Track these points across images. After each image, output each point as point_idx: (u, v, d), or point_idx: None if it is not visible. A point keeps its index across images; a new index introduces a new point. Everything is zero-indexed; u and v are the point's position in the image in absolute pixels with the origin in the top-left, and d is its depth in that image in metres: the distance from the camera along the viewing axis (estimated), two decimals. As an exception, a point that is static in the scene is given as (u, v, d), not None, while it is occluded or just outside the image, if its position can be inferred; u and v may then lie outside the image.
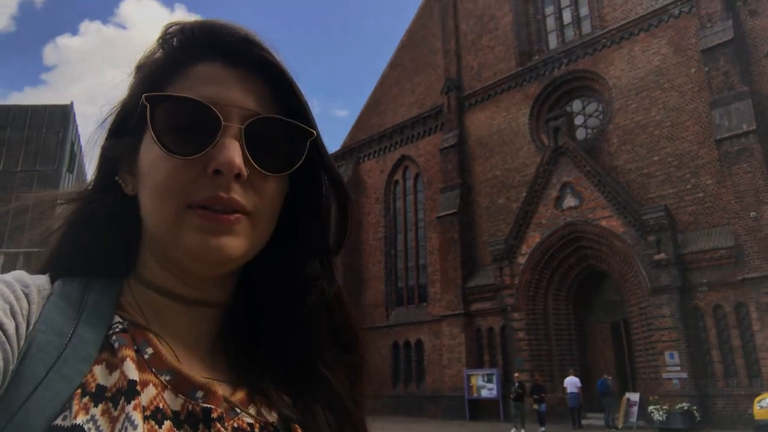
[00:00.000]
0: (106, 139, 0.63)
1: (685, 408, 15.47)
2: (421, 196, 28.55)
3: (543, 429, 16.75)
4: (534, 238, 21.00)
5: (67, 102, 35.16)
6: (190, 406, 0.54)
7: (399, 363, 26.33)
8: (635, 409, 16.90)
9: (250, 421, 0.57)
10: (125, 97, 0.62)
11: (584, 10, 24.00)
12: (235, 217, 0.56)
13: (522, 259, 21.10)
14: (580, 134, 22.83)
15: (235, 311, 0.64)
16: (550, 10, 25.61)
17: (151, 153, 0.57)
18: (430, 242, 26.73)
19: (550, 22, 25.46)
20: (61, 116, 33.52)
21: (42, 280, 0.58)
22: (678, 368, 16.38)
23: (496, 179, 24.62)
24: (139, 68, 0.62)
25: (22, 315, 0.52)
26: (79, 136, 35.34)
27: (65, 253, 0.61)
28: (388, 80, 32.27)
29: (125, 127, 0.61)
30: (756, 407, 12.07)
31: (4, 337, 0.48)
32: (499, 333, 21.78)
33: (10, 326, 0.50)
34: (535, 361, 20.12)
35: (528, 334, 20.42)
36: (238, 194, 0.56)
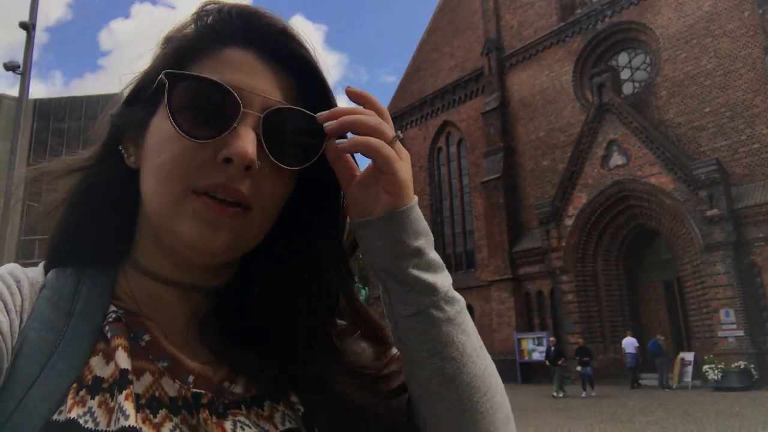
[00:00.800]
0: (120, 106, 0.61)
1: (742, 366, 15.15)
2: (464, 161, 28.37)
3: (585, 393, 16.30)
4: (581, 199, 20.63)
5: (118, 90, 36.64)
6: (184, 392, 0.54)
7: (450, 328, 26.67)
8: (690, 368, 16.65)
9: (239, 396, 0.58)
10: (148, 67, 0.60)
11: (629, -43, 22.83)
12: (236, 210, 0.54)
13: (569, 221, 20.81)
14: (627, 89, 22.03)
15: (233, 294, 0.63)
16: (591, -41, 24.49)
17: (162, 130, 0.55)
18: (476, 208, 26.66)
19: (593, -27, 24.37)
20: (114, 105, 35.24)
21: (35, 273, 0.58)
22: (734, 326, 15.99)
23: (540, 140, 24.16)
24: (167, 40, 0.60)
25: (16, 311, 0.52)
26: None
27: (63, 238, 0.61)
28: (426, 46, 31.83)
29: (140, 97, 0.59)
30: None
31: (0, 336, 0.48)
32: (548, 296, 21.72)
33: (4, 322, 0.49)
34: (585, 323, 20.03)
35: (577, 296, 20.28)
36: (244, 186, 0.54)
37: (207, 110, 0.54)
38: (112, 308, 0.56)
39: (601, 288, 20.33)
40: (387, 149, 0.55)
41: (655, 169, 18.59)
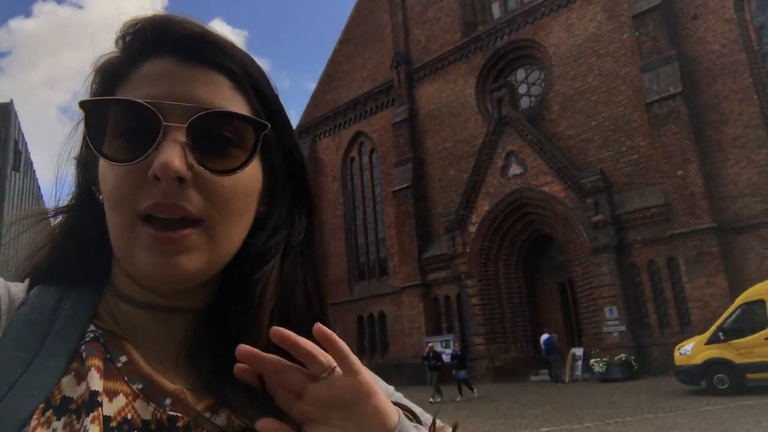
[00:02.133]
0: (80, 148, 0.60)
1: (623, 359, 16.54)
2: (376, 171, 28.98)
3: (459, 398, 16.05)
4: (483, 207, 21.71)
5: (6, 100, 34.27)
6: (158, 415, 0.52)
7: (364, 335, 27.14)
8: (579, 363, 17.95)
9: (219, 429, 0.54)
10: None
11: (525, -22, 24.38)
12: (183, 234, 0.52)
13: (473, 228, 21.83)
14: (525, 102, 23.45)
15: (216, 314, 0.60)
16: (492, -21, 25.90)
17: (102, 163, 0.55)
18: (387, 216, 27.30)
19: (494, -8, 25.78)
20: (2, 115, 32.65)
21: (18, 288, 0.57)
22: (617, 322, 17.42)
23: (447, 151, 25.16)
24: (97, 72, 0.59)
25: None
26: (22, 133, 34.56)
27: (47, 264, 0.60)
28: (339, 56, 32.28)
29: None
30: (676, 354, 13.03)
31: None
32: (455, 300, 22.62)
33: None
34: (489, 324, 21.04)
35: (481, 299, 21.28)
36: (184, 199, 0.52)
37: (132, 131, 0.52)
38: (92, 328, 0.55)
39: (502, 290, 21.45)
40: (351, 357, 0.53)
41: (549, 178, 19.94)
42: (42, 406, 0.47)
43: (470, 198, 22.13)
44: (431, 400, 15.77)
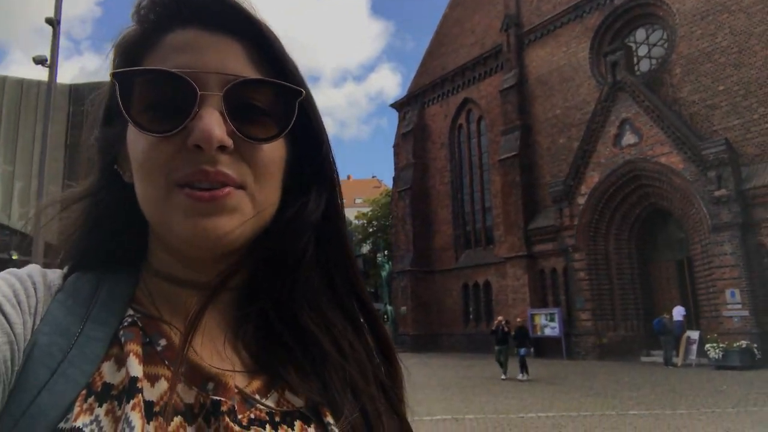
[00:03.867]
0: (99, 127, 0.61)
1: (744, 345, 15.44)
2: (484, 139, 28.63)
3: (521, 376, 14.98)
4: (593, 178, 20.83)
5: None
6: (202, 399, 0.51)
7: (469, 303, 27.52)
8: (694, 347, 17.00)
9: (268, 411, 0.54)
10: (109, 83, 0.58)
11: (648, -73, 22.31)
12: (226, 191, 0.52)
13: (581, 200, 21.08)
14: (645, 65, 21.86)
15: (251, 288, 0.60)
16: (612, -70, 23.96)
17: (132, 135, 0.54)
18: (494, 185, 27.03)
19: (613, -56, 23.88)
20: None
21: (55, 276, 0.57)
22: (739, 306, 16.22)
23: (556, 118, 24.23)
24: (117, 47, 0.59)
25: (29, 312, 0.51)
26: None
27: (81, 249, 0.60)
28: (448, 21, 31.83)
29: (113, 112, 0.57)
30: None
31: (12, 334, 0.48)
32: (562, 273, 22.16)
33: (18, 323, 0.49)
34: (596, 300, 20.46)
35: (589, 274, 20.68)
36: (225, 166, 0.52)
37: (165, 101, 0.52)
38: (130, 312, 0.55)
39: (612, 266, 20.66)
40: None
41: (666, 149, 18.64)
42: (84, 392, 0.48)
43: (579, 168, 21.29)
44: (503, 377, 15.31)
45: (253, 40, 0.57)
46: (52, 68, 12.15)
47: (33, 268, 0.56)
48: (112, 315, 0.54)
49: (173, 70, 0.52)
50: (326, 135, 0.63)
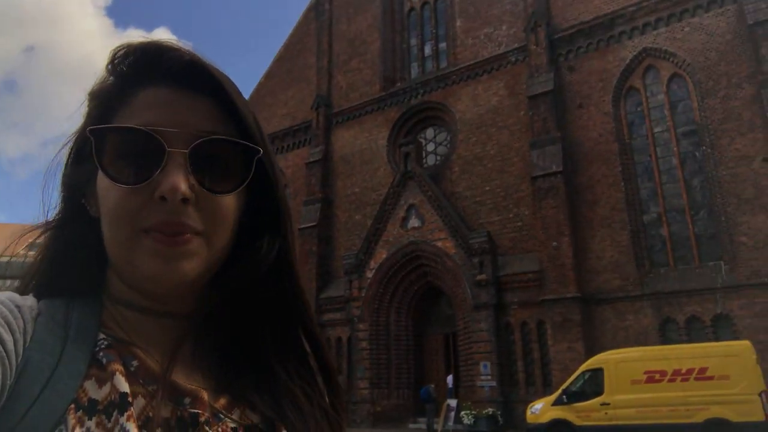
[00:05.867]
0: (67, 165, 0.64)
1: (490, 413, 17.76)
2: (287, 206, 29.40)
3: None
4: (381, 254, 22.70)
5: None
6: (179, 413, 0.57)
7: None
8: (453, 414, 18.98)
9: (234, 425, 0.60)
10: (80, 126, 0.63)
11: (443, 45, 26.21)
12: (187, 237, 0.58)
13: (370, 273, 22.73)
14: (431, 160, 24.95)
15: (211, 318, 0.65)
16: (414, 41, 27.61)
17: (103, 181, 0.59)
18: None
19: (414, 53, 27.46)
20: None
21: (30, 301, 0.59)
22: (489, 377, 18.70)
23: (355, 196, 26.13)
24: (91, 96, 0.64)
25: (19, 332, 0.54)
26: None
27: (45, 277, 0.64)
28: (263, 89, 32.78)
29: (83, 153, 0.62)
30: (528, 412, 14.33)
31: (4, 352, 0.51)
32: (346, 342, 23.28)
33: (9, 342, 0.52)
34: (375, 369, 21.80)
35: (370, 344, 22.06)
36: (187, 216, 0.57)
37: (135, 155, 0.57)
38: (102, 336, 0.59)
39: (391, 337, 22.36)
40: None
41: (443, 234, 21.28)
42: (72, 406, 0.51)
43: (370, 244, 23.08)
44: None
45: (218, 98, 0.63)
46: None
47: (10, 294, 0.59)
48: (88, 337, 0.58)
49: (144, 127, 0.58)
50: (281, 187, 0.69)
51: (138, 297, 0.62)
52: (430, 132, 25.71)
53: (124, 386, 0.55)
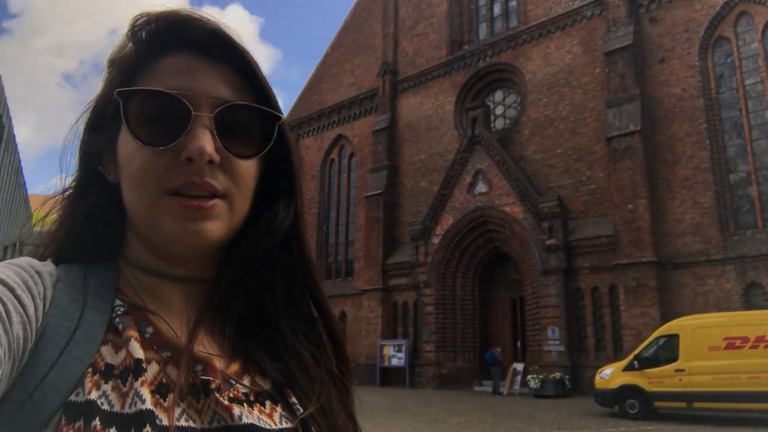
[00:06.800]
0: (85, 132, 0.65)
1: (558, 377, 17.33)
2: (354, 175, 29.69)
3: None
4: (447, 220, 22.48)
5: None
6: (191, 379, 0.58)
7: (324, 333, 27.78)
8: (519, 378, 18.74)
9: (245, 390, 0.61)
10: (100, 92, 0.65)
11: (513, 4, 25.25)
12: (212, 203, 0.59)
13: (436, 239, 22.60)
14: (500, 123, 24.29)
15: (229, 285, 0.66)
16: (482, 1, 26.75)
17: (127, 144, 0.60)
18: (359, 220, 28.00)
19: (482, 13, 26.63)
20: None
21: (49, 267, 0.60)
22: (557, 342, 18.24)
23: (421, 162, 25.92)
24: (111, 63, 0.65)
25: (39, 297, 0.55)
26: (7, 107, 34.55)
27: (63, 243, 0.65)
28: (329, 59, 32.97)
29: (102, 120, 0.64)
30: (597, 377, 13.82)
31: (25, 316, 0.52)
32: (412, 307, 23.37)
33: (30, 305, 0.53)
34: (440, 333, 21.80)
35: (436, 308, 22.03)
36: (211, 178, 0.59)
37: (162, 118, 0.58)
38: (119, 302, 0.60)
39: (457, 302, 22.23)
40: None
41: (511, 199, 20.76)
42: (90, 370, 0.53)
43: (437, 210, 22.89)
44: None
45: (238, 67, 0.64)
46: None
47: (31, 260, 0.60)
48: (105, 303, 0.59)
49: (171, 91, 0.59)
50: (296, 154, 0.71)
51: (158, 262, 0.64)
52: (498, 95, 24.98)
53: (139, 352, 0.56)
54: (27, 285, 0.55)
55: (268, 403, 0.63)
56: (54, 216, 0.67)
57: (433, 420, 13.05)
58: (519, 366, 19.11)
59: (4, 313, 0.50)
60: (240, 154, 0.62)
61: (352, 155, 30.03)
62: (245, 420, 0.58)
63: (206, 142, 0.58)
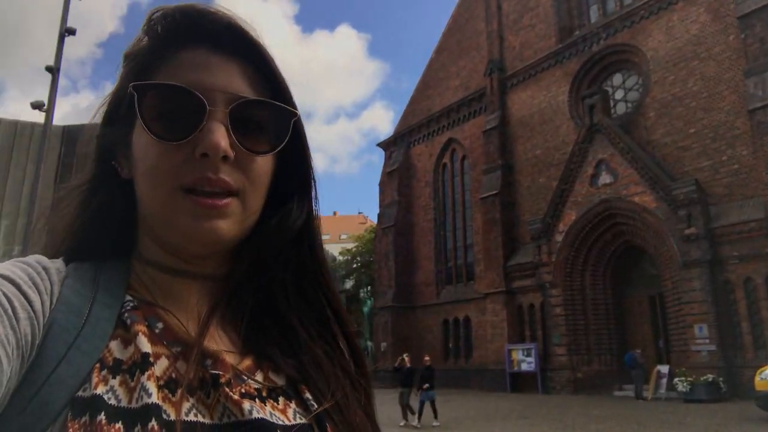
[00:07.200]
0: (100, 127, 0.65)
1: (710, 379, 15.61)
2: (467, 177, 29.25)
3: (415, 422, 13.49)
4: (570, 216, 21.32)
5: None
6: (200, 374, 0.57)
7: (449, 338, 27.52)
8: (664, 380, 17.14)
9: (257, 386, 0.61)
10: (115, 87, 0.64)
11: (626, -20, 23.59)
12: (226, 201, 0.59)
13: (559, 237, 21.51)
14: (621, 108, 22.70)
15: (241, 282, 0.66)
16: (591, -18, 25.28)
17: (142, 139, 0.59)
18: (476, 222, 27.47)
19: (592, -5, 25.16)
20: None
21: (58, 264, 0.60)
22: (707, 340, 16.47)
23: (536, 158, 24.92)
24: (127, 57, 0.64)
25: (46, 293, 0.55)
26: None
27: (75, 240, 0.64)
28: (435, 65, 32.91)
29: (117, 114, 0.63)
30: (757, 378, 12.17)
31: (32, 312, 0.52)
32: (539, 309, 22.37)
33: (36, 301, 0.53)
34: (571, 335, 20.63)
35: (565, 309, 20.91)
36: (225, 174, 0.58)
37: (177, 113, 0.58)
38: (128, 297, 0.60)
39: (588, 302, 20.92)
40: None
41: (640, 188, 19.22)
42: (97, 365, 0.52)
43: (557, 207, 21.81)
44: (403, 423, 13.85)
45: (254, 62, 0.64)
46: (49, 113, 12.18)
47: (38, 257, 0.60)
48: (114, 299, 0.59)
49: (186, 86, 0.58)
50: (309, 151, 0.70)
51: (170, 258, 0.63)
52: (617, 79, 23.37)
53: (146, 347, 0.56)
54: (33, 281, 0.55)
55: (281, 399, 0.62)
56: (63, 213, 0.67)
57: (569, 427, 12.31)
58: (663, 368, 17.48)
59: (11, 311, 0.50)
60: (255, 151, 0.61)
61: (464, 158, 29.62)
62: (255, 415, 0.56)
63: (221, 137, 0.57)
